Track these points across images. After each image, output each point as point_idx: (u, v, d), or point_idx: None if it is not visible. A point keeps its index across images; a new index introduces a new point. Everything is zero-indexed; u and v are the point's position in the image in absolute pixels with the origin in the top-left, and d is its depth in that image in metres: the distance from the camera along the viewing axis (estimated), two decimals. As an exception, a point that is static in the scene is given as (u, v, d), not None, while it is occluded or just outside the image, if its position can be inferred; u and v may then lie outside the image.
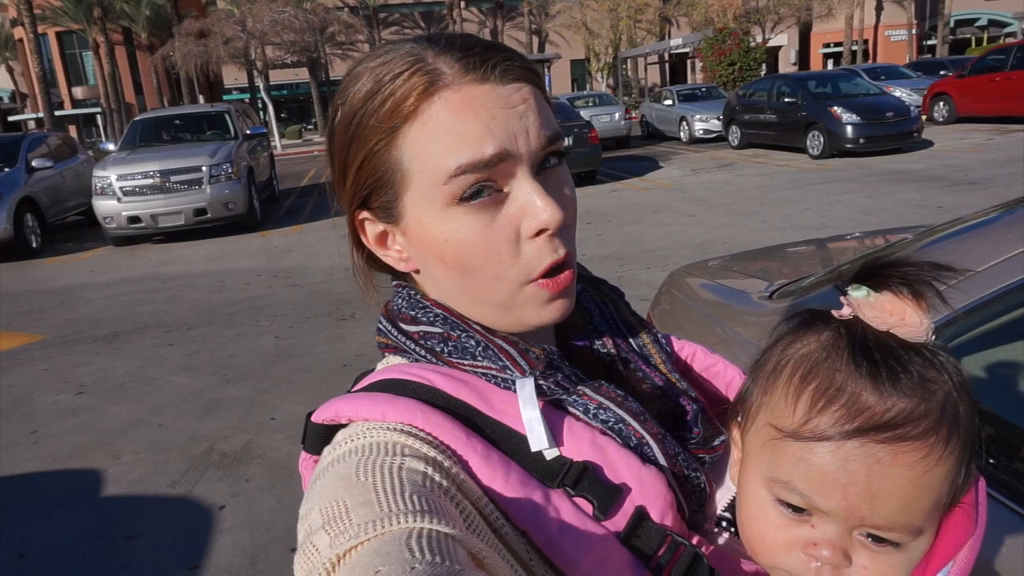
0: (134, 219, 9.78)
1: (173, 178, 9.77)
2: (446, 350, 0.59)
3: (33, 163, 10.67)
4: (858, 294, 0.50)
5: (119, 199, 9.74)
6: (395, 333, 0.63)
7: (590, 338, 0.67)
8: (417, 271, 0.62)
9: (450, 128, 0.53)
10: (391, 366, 0.61)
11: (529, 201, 0.55)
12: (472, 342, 0.58)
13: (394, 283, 0.66)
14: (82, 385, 4.92)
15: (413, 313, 0.62)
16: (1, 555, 3.00)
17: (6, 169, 10.37)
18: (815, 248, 3.24)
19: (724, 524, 0.60)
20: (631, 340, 0.68)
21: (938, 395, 0.48)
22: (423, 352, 0.61)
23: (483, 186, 0.54)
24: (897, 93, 16.04)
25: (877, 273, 0.50)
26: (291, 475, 3.42)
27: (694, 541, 0.55)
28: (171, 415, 4.28)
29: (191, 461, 3.66)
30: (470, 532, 0.48)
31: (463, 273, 0.57)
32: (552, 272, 0.57)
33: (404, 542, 0.42)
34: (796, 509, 0.51)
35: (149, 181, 9.74)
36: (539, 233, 0.55)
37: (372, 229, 0.61)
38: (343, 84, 0.59)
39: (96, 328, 6.29)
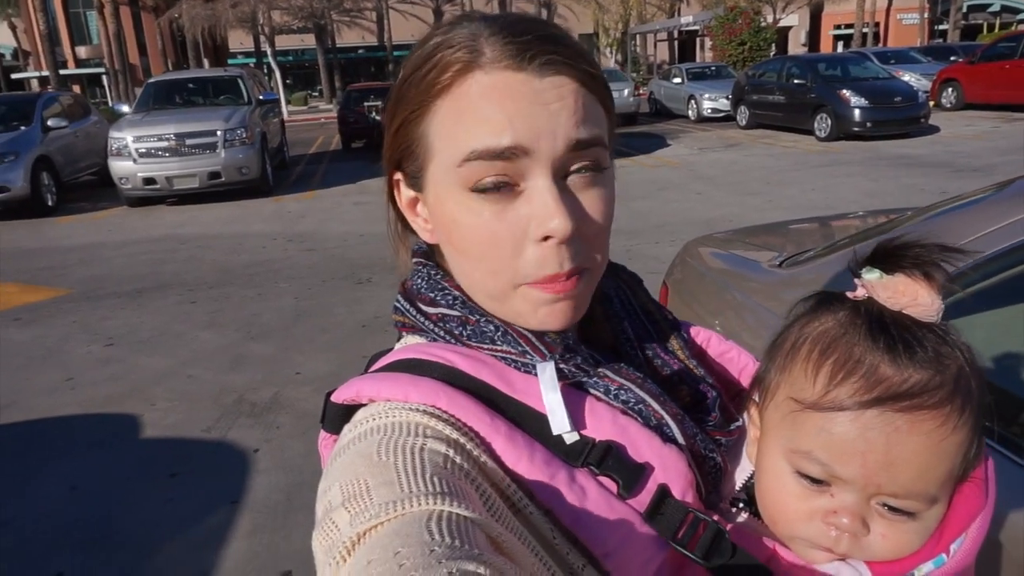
0: (149, 180, 9.93)
1: (188, 141, 9.90)
2: (464, 333, 0.59)
3: (48, 122, 10.79)
4: (872, 276, 0.52)
5: (135, 160, 9.88)
6: (413, 312, 0.63)
7: (609, 324, 0.66)
8: (437, 244, 0.62)
9: (475, 111, 0.53)
10: (410, 346, 0.61)
11: (541, 204, 0.53)
12: (491, 327, 0.58)
13: (413, 261, 0.66)
14: (111, 337, 5.13)
15: (432, 295, 0.61)
16: (53, 487, 3.24)
17: (22, 128, 10.49)
18: (818, 225, 3.43)
19: (740, 504, 0.61)
20: (649, 327, 0.68)
21: (952, 368, 0.50)
22: (442, 333, 0.61)
23: (497, 181, 0.53)
24: (906, 77, 16.08)
25: (890, 256, 0.52)
26: (319, 424, 3.62)
27: (715, 518, 0.56)
28: (200, 367, 4.50)
29: (223, 410, 3.88)
30: (490, 516, 0.48)
31: (466, 258, 0.57)
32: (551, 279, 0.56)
33: (424, 524, 0.42)
34: (815, 481, 0.52)
35: (165, 144, 9.88)
36: (545, 239, 0.53)
37: (405, 192, 0.62)
38: (415, 45, 0.60)
39: (119, 285, 6.49)
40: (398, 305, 0.64)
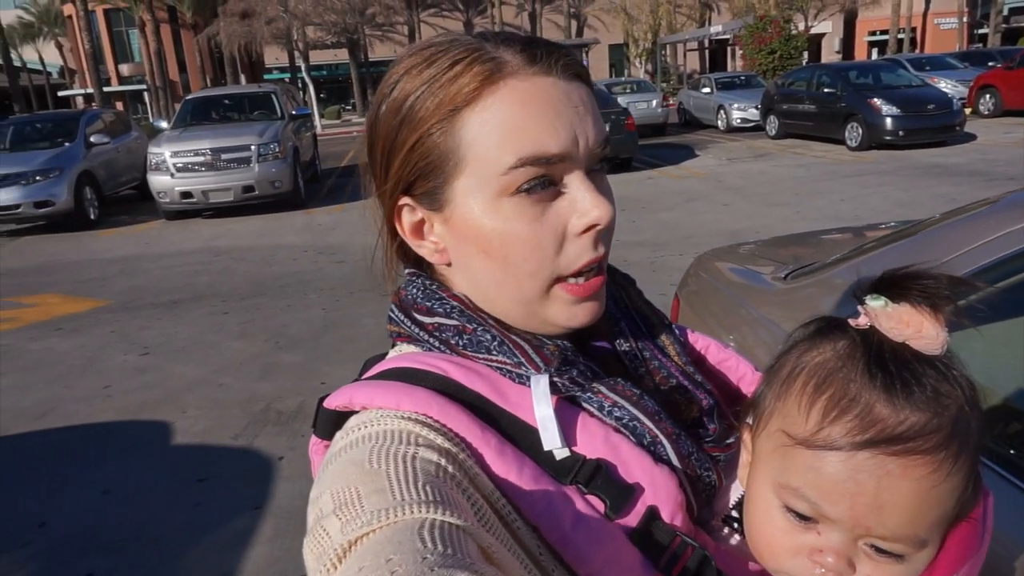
0: (186, 194, 10.23)
1: (223, 156, 10.19)
2: (461, 343, 0.59)
3: (91, 138, 11.20)
4: (876, 304, 0.50)
5: (172, 175, 10.20)
6: (408, 323, 0.62)
7: (606, 325, 0.66)
8: (448, 264, 0.61)
9: (514, 119, 0.54)
10: (404, 354, 0.61)
11: (582, 198, 0.56)
12: (488, 336, 0.58)
13: (407, 271, 0.65)
14: (147, 347, 5.31)
15: (429, 304, 0.61)
16: (86, 490, 3.37)
17: (66, 144, 10.91)
18: (849, 236, 3.38)
19: (734, 525, 0.60)
20: (646, 330, 0.68)
21: (950, 409, 0.48)
22: (437, 344, 0.60)
23: (541, 180, 0.55)
24: (942, 85, 15.82)
25: (896, 284, 0.50)
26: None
27: (702, 541, 0.55)
28: (231, 376, 4.63)
29: (251, 417, 3.99)
30: (481, 526, 0.48)
31: (504, 265, 0.57)
32: (582, 274, 0.58)
33: (416, 532, 0.42)
34: (803, 517, 0.51)
35: (201, 158, 10.17)
36: (587, 230, 0.56)
37: (409, 218, 0.61)
38: (390, 72, 0.59)
39: (156, 296, 6.70)
40: (392, 315, 0.64)
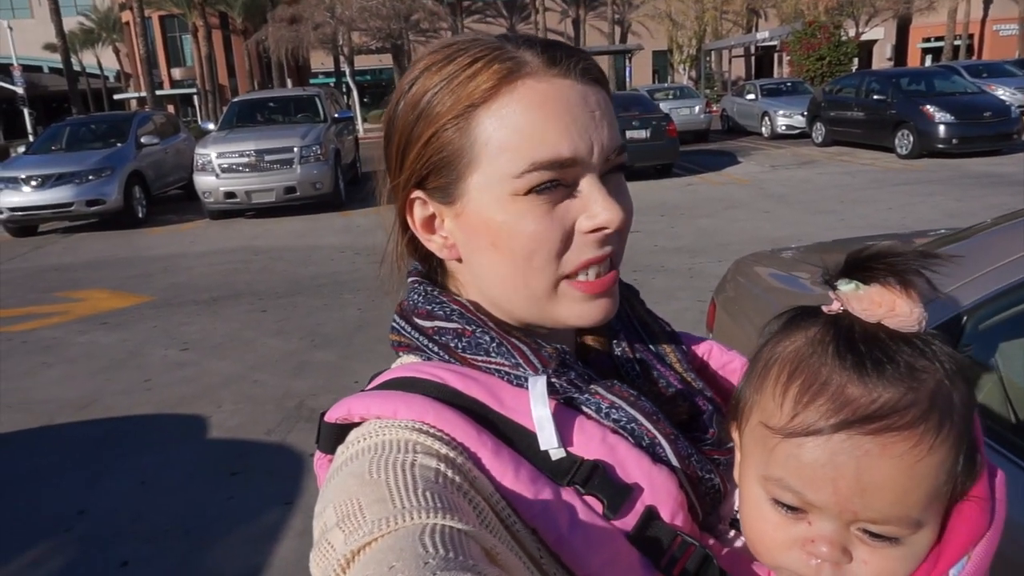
0: (230, 194, 10.46)
1: (267, 157, 10.39)
2: (459, 346, 0.59)
3: (142, 139, 11.55)
4: (846, 288, 0.50)
5: (217, 175, 10.44)
6: (408, 330, 0.63)
7: (606, 337, 0.66)
8: (459, 259, 0.62)
9: (530, 121, 0.54)
10: (404, 365, 0.61)
11: (592, 199, 0.56)
12: (487, 338, 0.59)
13: (410, 280, 0.66)
14: (187, 342, 5.42)
15: (429, 307, 0.62)
16: (125, 481, 3.44)
17: (118, 145, 11.27)
18: (896, 242, 3.28)
19: (738, 526, 0.59)
20: (646, 339, 0.68)
21: (928, 383, 0.48)
22: (436, 349, 0.61)
23: (553, 182, 0.55)
24: (999, 92, 15.25)
25: (863, 265, 0.50)
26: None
27: (710, 542, 0.55)
28: (266, 373, 4.69)
29: (284, 414, 4.04)
30: (483, 528, 0.48)
31: (512, 260, 0.57)
32: (589, 271, 0.58)
33: (418, 538, 0.42)
34: (791, 508, 0.50)
35: (245, 160, 10.40)
36: (595, 231, 0.56)
37: (421, 212, 0.61)
38: (411, 67, 0.60)
39: (197, 293, 6.84)
40: (395, 325, 0.65)
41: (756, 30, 33.87)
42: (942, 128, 11.91)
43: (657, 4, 37.64)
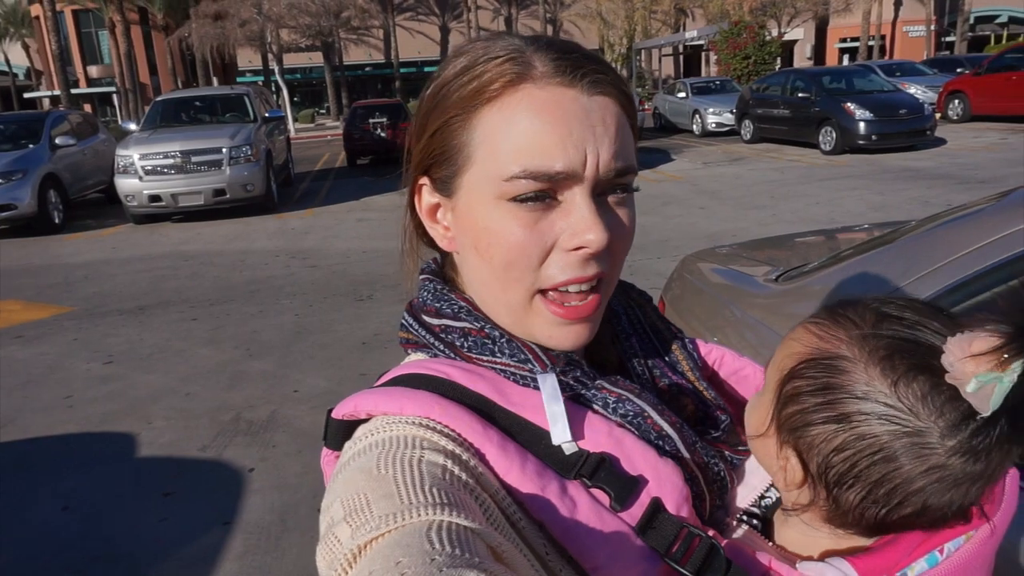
0: (155, 198, 9.98)
1: (194, 159, 9.96)
2: (466, 345, 0.60)
3: (56, 140, 10.89)
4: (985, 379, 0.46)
5: (141, 178, 9.94)
6: (416, 327, 0.64)
7: (617, 341, 0.66)
8: (457, 252, 0.63)
9: (525, 127, 0.54)
10: (412, 362, 0.62)
11: (578, 216, 0.54)
12: (496, 334, 0.59)
13: (420, 276, 0.66)
14: (111, 355, 5.12)
15: (437, 305, 0.62)
16: (49, 506, 3.21)
17: (31, 146, 10.58)
18: (823, 238, 3.38)
19: (745, 518, 0.61)
20: (658, 346, 0.68)
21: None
22: (443, 347, 0.61)
23: (540, 194, 0.54)
24: (912, 90, 16.07)
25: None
26: (316, 443, 3.59)
27: (710, 533, 0.55)
28: (198, 385, 4.47)
29: (219, 428, 3.85)
30: (489, 526, 0.48)
31: (490, 266, 0.57)
32: (570, 289, 0.56)
33: (424, 534, 0.42)
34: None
35: (170, 161, 9.94)
36: (576, 249, 0.55)
37: (427, 199, 0.62)
38: (447, 58, 0.61)
39: (122, 302, 6.49)
40: (404, 322, 0.65)
41: (684, 29, 34.64)
42: (862, 125, 12.43)
43: (588, 3, 38.12)
